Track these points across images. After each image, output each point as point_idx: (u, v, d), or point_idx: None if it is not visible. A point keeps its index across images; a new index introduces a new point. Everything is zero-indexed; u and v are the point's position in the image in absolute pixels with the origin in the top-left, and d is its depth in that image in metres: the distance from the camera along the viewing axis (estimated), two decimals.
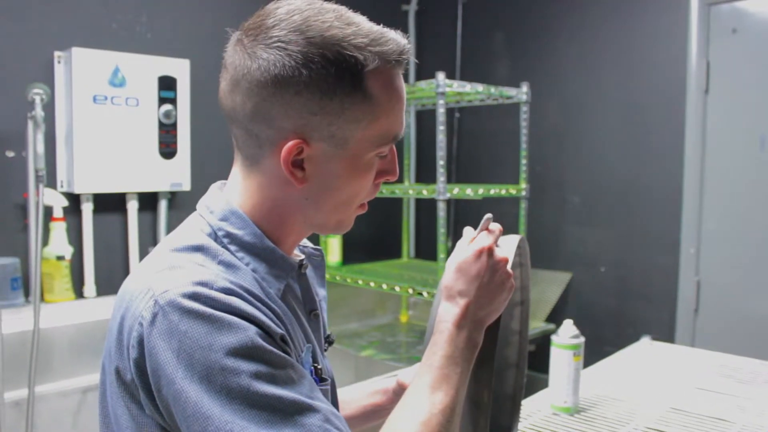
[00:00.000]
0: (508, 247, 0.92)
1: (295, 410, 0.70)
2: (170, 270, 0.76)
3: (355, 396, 1.12)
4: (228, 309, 0.72)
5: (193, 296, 0.72)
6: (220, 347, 0.70)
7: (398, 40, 0.80)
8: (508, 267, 0.88)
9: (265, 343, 0.72)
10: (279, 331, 0.75)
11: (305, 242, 0.99)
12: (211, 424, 0.69)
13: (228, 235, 0.82)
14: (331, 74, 0.76)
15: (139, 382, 0.75)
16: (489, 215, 0.89)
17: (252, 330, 0.72)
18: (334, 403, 0.96)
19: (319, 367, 0.87)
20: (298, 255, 0.94)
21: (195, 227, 0.84)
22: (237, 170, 0.86)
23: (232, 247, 0.82)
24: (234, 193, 0.85)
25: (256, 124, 0.79)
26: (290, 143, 0.78)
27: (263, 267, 0.82)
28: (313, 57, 0.75)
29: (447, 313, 0.85)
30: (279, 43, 0.76)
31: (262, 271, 0.82)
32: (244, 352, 0.70)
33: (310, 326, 0.90)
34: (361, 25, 0.79)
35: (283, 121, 0.78)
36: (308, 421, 0.71)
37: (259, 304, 0.76)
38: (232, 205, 0.84)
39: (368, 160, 0.82)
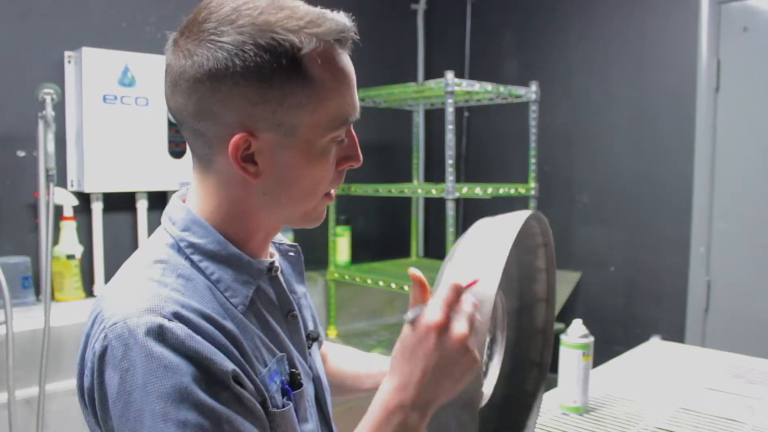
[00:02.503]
0: (509, 227, 0.87)
1: None
2: (125, 294, 0.76)
3: (372, 370, 1.11)
4: (170, 343, 0.70)
5: (138, 328, 0.71)
6: (153, 389, 0.69)
7: (337, 19, 0.78)
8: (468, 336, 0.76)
9: (199, 391, 0.70)
10: (228, 368, 0.73)
11: (281, 239, 0.98)
12: None
13: (191, 245, 0.81)
14: (266, 61, 0.73)
15: (91, 409, 0.76)
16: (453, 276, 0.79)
17: (189, 375, 0.70)
18: (321, 400, 0.94)
19: (297, 372, 0.85)
20: (272, 254, 0.93)
21: (160, 240, 0.83)
22: (194, 176, 0.85)
23: (196, 258, 0.81)
24: (193, 200, 0.84)
25: (201, 123, 0.78)
26: (236, 137, 0.76)
27: (229, 275, 0.81)
28: (245, 46, 0.73)
29: (382, 391, 0.78)
30: (211, 37, 0.75)
31: (228, 279, 0.81)
32: (177, 398, 0.69)
33: (288, 329, 0.89)
34: (297, 9, 0.76)
35: (226, 116, 0.76)
36: None
37: (210, 329, 0.74)
38: (193, 214, 0.83)
39: (323, 146, 0.79)
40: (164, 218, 0.86)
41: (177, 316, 0.72)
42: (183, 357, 0.70)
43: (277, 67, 0.74)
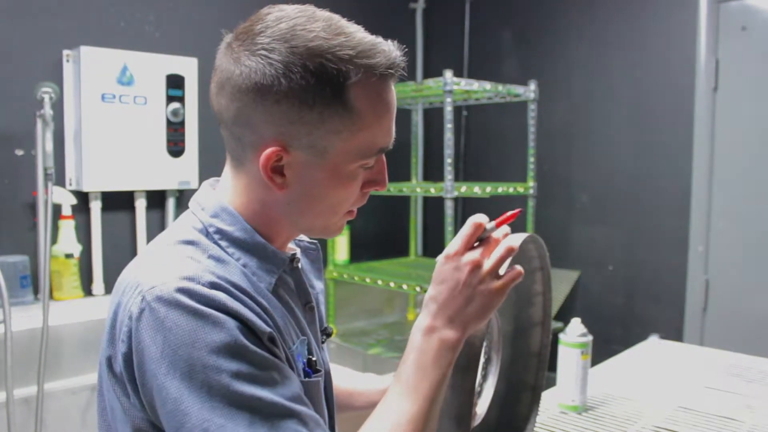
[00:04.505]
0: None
1: (272, 412, 0.71)
2: (160, 265, 0.78)
3: (366, 388, 1.13)
4: (213, 304, 0.73)
5: (179, 291, 0.73)
6: (203, 344, 0.71)
7: (389, 52, 0.79)
8: (486, 267, 0.83)
9: (248, 342, 0.73)
10: (266, 329, 0.76)
11: (301, 236, 1.00)
12: (188, 421, 0.70)
13: (219, 231, 0.84)
14: (311, 85, 0.76)
15: (127, 375, 0.77)
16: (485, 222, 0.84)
17: (237, 329, 0.73)
18: (329, 393, 0.97)
19: (313, 359, 0.88)
20: (292, 248, 0.95)
21: (187, 224, 0.86)
22: (227, 169, 0.87)
23: (223, 243, 0.83)
24: (225, 191, 0.87)
25: (238, 128, 0.81)
26: (269, 150, 0.78)
27: (254, 262, 0.83)
28: (293, 67, 0.75)
29: (418, 321, 0.84)
30: (262, 51, 0.76)
31: (253, 266, 0.83)
32: (227, 350, 0.71)
33: (306, 318, 0.91)
34: (352, 36, 0.78)
35: (263, 128, 0.78)
36: (285, 425, 0.72)
37: (246, 299, 0.77)
38: (223, 202, 0.85)
39: (351, 170, 0.82)
40: (193, 204, 0.88)
41: (214, 285, 0.75)
42: (228, 315, 0.73)
43: (320, 93, 0.76)
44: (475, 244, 0.84)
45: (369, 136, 0.80)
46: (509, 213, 0.86)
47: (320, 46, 0.76)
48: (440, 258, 0.84)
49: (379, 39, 0.80)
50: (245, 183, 0.84)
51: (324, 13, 0.80)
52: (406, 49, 0.82)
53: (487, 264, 0.82)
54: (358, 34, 0.79)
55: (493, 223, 0.85)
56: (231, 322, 0.73)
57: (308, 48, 0.75)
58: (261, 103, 0.77)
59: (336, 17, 0.80)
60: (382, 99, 0.80)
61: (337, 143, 0.79)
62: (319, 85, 0.76)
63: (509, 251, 0.83)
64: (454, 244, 0.83)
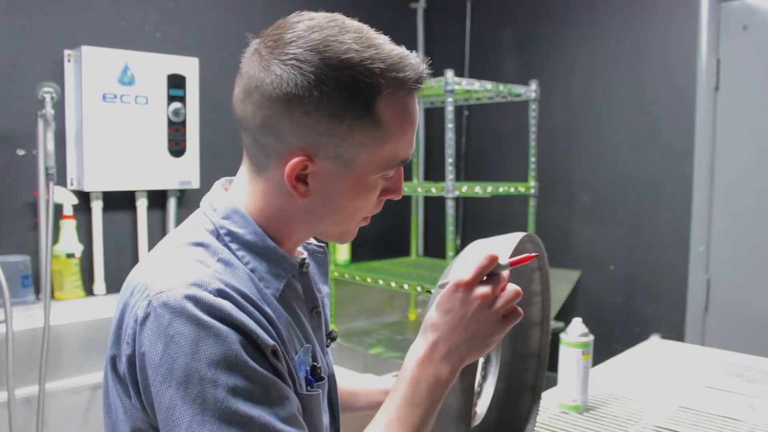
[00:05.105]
0: (504, 248, 0.90)
1: None
2: (169, 268, 0.78)
3: (367, 388, 1.13)
4: (218, 314, 0.73)
5: (186, 298, 0.73)
6: (203, 356, 0.71)
7: (417, 66, 0.80)
8: (499, 300, 0.82)
9: (248, 358, 0.73)
10: (270, 342, 0.76)
11: (309, 239, 1.00)
12: None
13: (229, 233, 0.83)
14: (343, 98, 0.76)
15: (130, 377, 0.77)
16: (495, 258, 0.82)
17: (238, 343, 0.72)
18: (333, 396, 0.97)
19: (318, 365, 0.88)
20: (300, 252, 0.95)
21: (199, 224, 0.85)
22: (244, 171, 0.87)
23: (233, 246, 0.83)
24: (239, 193, 0.86)
25: (264, 136, 0.80)
26: (295, 159, 0.78)
27: (263, 266, 0.83)
28: (326, 79, 0.75)
29: (415, 348, 0.83)
30: (294, 61, 0.76)
31: (262, 270, 0.83)
32: (226, 364, 0.71)
33: (312, 324, 0.91)
34: (381, 47, 0.78)
35: (290, 137, 0.78)
36: None
37: (251, 308, 0.76)
38: (235, 204, 0.85)
39: (373, 180, 0.83)
40: (204, 204, 0.88)
41: (221, 293, 0.75)
42: (231, 327, 0.73)
43: (350, 106, 0.76)
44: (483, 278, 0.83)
45: (393, 149, 0.81)
46: (526, 254, 0.86)
47: (352, 59, 0.76)
48: (449, 284, 0.82)
49: (405, 51, 0.80)
50: (264, 188, 0.84)
51: (354, 24, 0.80)
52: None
53: (498, 302, 0.81)
54: (387, 45, 0.79)
55: (507, 260, 0.83)
56: (233, 336, 0.72)
57: (341, 60, 0.75)
58: (290, 113, 0.77)
59: (365, 27, 0.80)
60: (407, 112, 0.81)
61: (364, 155, 0.79)
62: (350, 98, 0.76)
63: (518, 294, 0.82)
64: (465, 273, 0.81)
